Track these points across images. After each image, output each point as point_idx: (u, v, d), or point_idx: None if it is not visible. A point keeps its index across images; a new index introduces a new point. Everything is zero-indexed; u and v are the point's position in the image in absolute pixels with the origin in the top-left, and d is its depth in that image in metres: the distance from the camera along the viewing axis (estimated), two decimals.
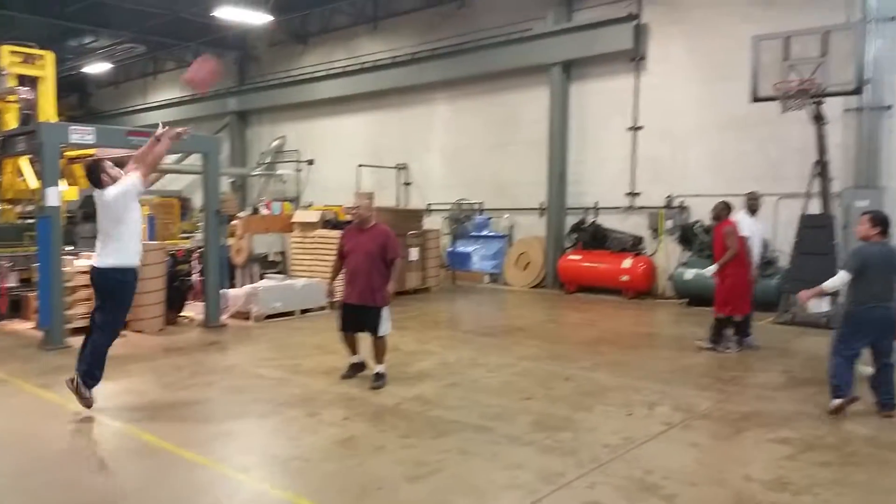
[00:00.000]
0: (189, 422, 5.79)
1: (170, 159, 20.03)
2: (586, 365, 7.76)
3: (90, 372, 5.85)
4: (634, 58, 13.71)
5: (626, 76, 13.94)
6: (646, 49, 13.67)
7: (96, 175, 5.97)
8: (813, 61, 9.68)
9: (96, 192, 6.01)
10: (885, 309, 5.82)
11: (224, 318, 10.21)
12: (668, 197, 13.38)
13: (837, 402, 5.88)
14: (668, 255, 13.27)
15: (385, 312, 6.80)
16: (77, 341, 8.60)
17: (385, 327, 6.81)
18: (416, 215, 14.71)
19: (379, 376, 6.80)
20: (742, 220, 8.51)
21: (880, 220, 5.95)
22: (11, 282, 10.35)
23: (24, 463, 4.90)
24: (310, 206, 18.03)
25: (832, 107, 10.52)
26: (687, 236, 12.57)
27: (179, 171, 19.44)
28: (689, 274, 12.05)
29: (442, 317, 11.72)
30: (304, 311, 11.00)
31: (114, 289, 5.89)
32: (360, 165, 17.88)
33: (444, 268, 15.52)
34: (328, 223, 12.69)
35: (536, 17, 14.91)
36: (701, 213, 12.12)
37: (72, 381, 5.83)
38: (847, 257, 6.07)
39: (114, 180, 5.99)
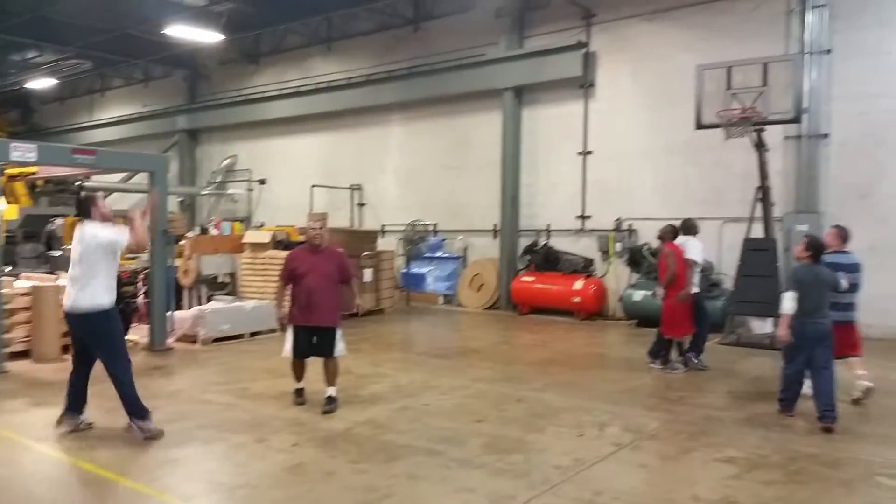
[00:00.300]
0: (132, 449, 5.58)
1: (115, 178, 19.66)
2: (538, 386, 7.81)
3: (134, 410, 5.79)
4: (584, 84, 14.03)
5: (575, 102, 14.23)
6: (594, 76, 14.01)
7: (87, 207, 5.87)
8: (754, 90, 10.00)
9: (80, 225, 5.86)
10: (817, 324, 6.36)
11: (170, 341, 9.96)
12: (618, 220, 13.66)
13: (778, 409, 6.67)
14: (617, 277, 13.50)
15: (339, 333, 6.79)
16: (15, 366, 8.37)
17: (340, 347, 6.80)
18: (370, 236, 14.67)
19: (331, 399, 6.72)
20: (689, 243, 8.71)
21: (813, 246, 6.54)
22: None
23: None
24: (261, 226, 17.80)
25: (773, 135, 10.92)
26: (635, 258, 12.83)
27: (126, 189, 19.01)
28: (638, 295, 12.27)
29: (395, 339, 11.66)
30: (253, 334, 10.79)
31: (98, 330, 5.74)
32: (314, 186, 17.77)
33: (398, 289, 15.48)
34: (280, 244, 12.54)
35: (489, 43, 15.15)
36: (649, 235, 12.39)
37: (129, 427, 5.77)
38: (787, 279, 6.59)
39: (104, 218, 5.89)
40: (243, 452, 5.53)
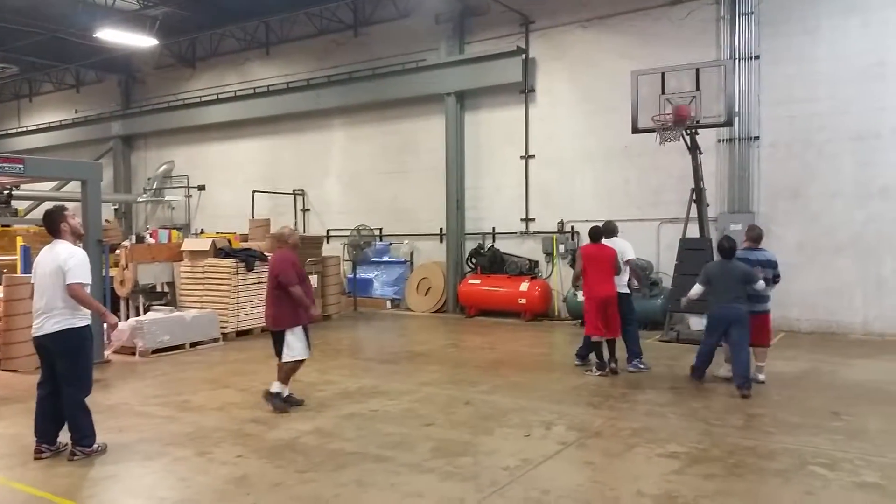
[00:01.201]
0: (69, 466, 5.39)
1: (46, 186, 18.94)
2: (486, 388, 7.86)
3: (80, 436, 5.49)
4: (524, 90, 14.21)
5: (517, 107, 14.41)
6: (534, 81, 14.21)
7: (55, 224, 5.54)
8: (687, 95, 10.29)
9: (50, 246, 5.56)
10: (728, 309, 7.57)
11: (107, 353, 9.64)
12: (560, 222, 13.88)
13: (690, 374, 8.04)
14: (561, 278, 13.71)
15: None
16: None
17: None
18: (315, 242, 14.50)
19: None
20: (618, 244, 8.82)
21: (719, 246, 7.93)
22: None
23: None
24: (200, 233, 17.40)
25: (706, 138, 11.28)
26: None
27: (57, 198, 18.30)
28: (582, 295, 12.46)
29: (343, 345, 11.54)
30: (194, 345, 10.55)
31: (72, 349, 5.43)
32: (256, 191, 17.48)
33: (345, 295, 15.35)
34: (220, 251, 12.25)
35: (429, 49, 15.20)
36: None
37: (72, 455, 5.47)
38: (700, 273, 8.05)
39: (73, 232, 5.62)
40: (185, 466, 5.40)
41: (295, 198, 17.76)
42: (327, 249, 15.11)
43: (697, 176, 10.78)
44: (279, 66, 17.88)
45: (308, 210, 17.75)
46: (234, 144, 19.02)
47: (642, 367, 8.71)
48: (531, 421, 6.48)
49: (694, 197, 10.85)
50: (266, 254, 12.41)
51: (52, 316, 5.45)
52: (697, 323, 10.95)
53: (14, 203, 15.23)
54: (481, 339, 11.55)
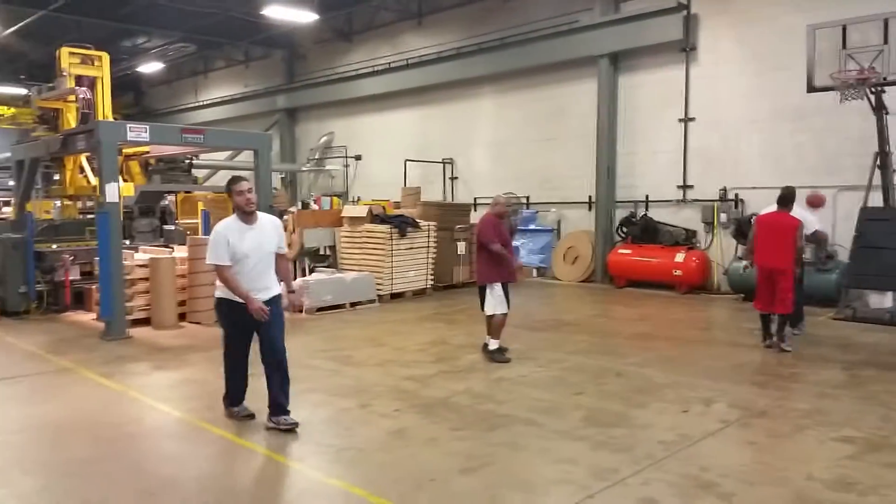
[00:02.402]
0: None
1: (221, 156, 20.58)
2: (638, 360, 7.66)
3: (227, 391, 5.76)
4: (685, 48, 13.43)
5: (676, 67, 13.66)
6: (696, 39, 13.37)
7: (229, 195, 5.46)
8: (872, 50, 9.30)
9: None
10: None
11: None
12: (723, 189, 13.09)
13: None
14: (722, 250, 12.99)
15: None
16: (137, 332, 9.00)
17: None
18: (463, 209, 14.71)
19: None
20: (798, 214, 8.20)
21: None
22: (74, 274, 10.75)
23: (92, 449, 5.08)
24: (358, 200, 18.21)
25: (893, 96, 10.12)
26: (742, 230, 12.21)
27: (232, 167, 19.84)
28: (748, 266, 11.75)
29: None
30: (353, 305, 11.13)
31: (216, 316, 5.81)
32: (407, 160, 17.97)
33: None
34: (376, 218, 12.80)
35: (583, 9, 14.73)
36: (756, 205, 11.79)
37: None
38: None
39: (237, 206, 5.35)
40: (349, 416, 5.74)
41: (444, 166, 18.07)
42: (475, 217, 15.22)
43: (882, 139, 9.76)
44: (430, 36, 18.12)
45: (456, 178, 18.01)
46: (387, 115, 19.61)
47: (797, 333, 8.36)
48: (688, 397, 6.24)
49: (878, 162, 9.85)
50: (417, 220, 12.83)
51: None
52: (878, 300, 10.02)
53: (194, 171, 16.62)
54: (632, 311, 11.25)
